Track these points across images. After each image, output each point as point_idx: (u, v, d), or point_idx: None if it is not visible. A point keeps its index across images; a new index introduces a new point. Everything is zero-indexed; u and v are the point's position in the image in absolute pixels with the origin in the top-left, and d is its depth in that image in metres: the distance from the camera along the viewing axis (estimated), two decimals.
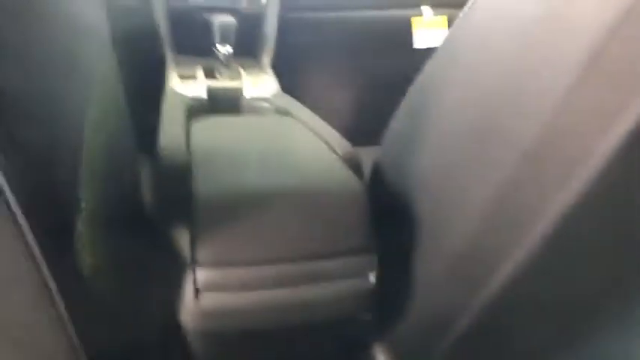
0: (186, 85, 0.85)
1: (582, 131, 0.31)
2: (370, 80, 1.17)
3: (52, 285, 0.32)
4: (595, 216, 0.35)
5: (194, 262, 0.42)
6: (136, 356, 0.52)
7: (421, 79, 0.54)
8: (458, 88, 0.45)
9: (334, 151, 0.55)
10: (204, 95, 0.83)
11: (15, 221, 0.29)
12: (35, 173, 0.32)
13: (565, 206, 0.34)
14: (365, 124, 0.84)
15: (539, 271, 0.38)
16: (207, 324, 0.43)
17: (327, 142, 0.58)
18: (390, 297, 0.55)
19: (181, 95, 0.80)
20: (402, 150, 0.54)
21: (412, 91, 0.55)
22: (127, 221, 0.50)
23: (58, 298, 0.33)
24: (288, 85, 0.93)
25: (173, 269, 0.43)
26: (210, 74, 0.89)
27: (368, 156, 0.64)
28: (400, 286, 0.52)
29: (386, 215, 0.55)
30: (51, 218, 0.33)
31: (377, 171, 0.61)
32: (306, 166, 0.50)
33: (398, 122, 0.58)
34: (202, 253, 0.41)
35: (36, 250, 0.31)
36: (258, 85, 0.91)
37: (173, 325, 0.45)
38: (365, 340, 0.60)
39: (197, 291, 0.42)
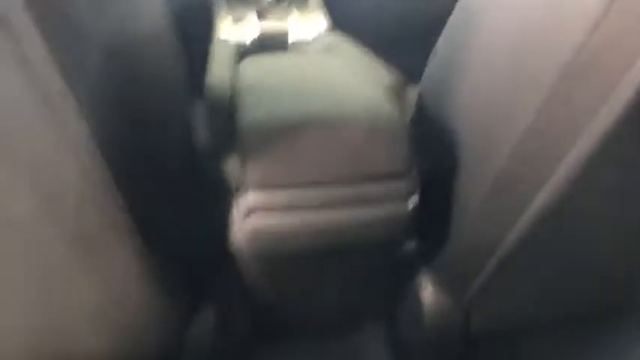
0: (235, 27, 0.86)
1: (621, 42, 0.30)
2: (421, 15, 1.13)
3: (121, 218, 0.37)
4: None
5: (244, 185, 0.45)
6: (193, 282, 0.58)
7: (459, 7, 0.52)
8: (497, 11, 0.43)
9: (379, 84, 0.56)
10: (253, 37, 0.85)
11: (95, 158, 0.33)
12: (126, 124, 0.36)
13: (600, 130, 0.33)
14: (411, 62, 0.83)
15: (581, 190, 0.38)
16: (257, 244, 0.46)
17: (372, 75, 0.58)
18: (435, 224, 0.56)
19: (229, 38, 0.82)
20: (443, 79, 0.54)
21: (451, 19, 0.54)
22: (184, 165, 0.55)
23: (126, 230, 0.38)
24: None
25: (225, 195, 0.46)
26: (260, 15, 0.90)
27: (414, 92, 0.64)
28: (444, 213, 0.53)
29: (429, 144, 0.55)
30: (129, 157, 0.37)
31: (420, 102, 0.61)
32: (349, 95, 0.51)
33: (439, 52, 0.57)
34: (251, 176, 0.44)
35: (110, 182, 0.35)
36: (308, 23, 0.91)
37: (226, 250, 0.49)
38: (410, 266, 0.62)
39: (247, 211, 0.45)
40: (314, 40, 0.87)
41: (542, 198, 0.40)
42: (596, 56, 0.32)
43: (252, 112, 0.48)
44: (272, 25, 0.89)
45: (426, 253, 0.61)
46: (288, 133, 0.45)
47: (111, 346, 0.52)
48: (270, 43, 0.87)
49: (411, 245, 0.61)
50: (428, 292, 0.59)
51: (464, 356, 0.63)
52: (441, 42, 0.57)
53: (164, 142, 0.47)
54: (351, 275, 0.60)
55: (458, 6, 0.53)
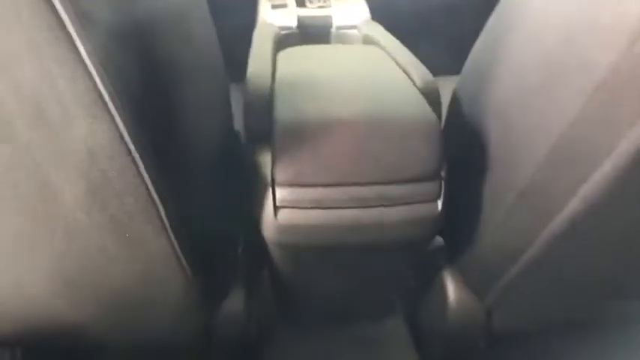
0: (276, 13, 0.87)
1: None
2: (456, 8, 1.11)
3: (157, 199, 0.39)
4: None
5: (273, 182, 0.46)
6: (225, 266, 0.61)
7: (500, 8, 0.51)
8: (535, 16, 0.42)
9: (414, 83, 0.56)
10: (294, 24, 0.85)
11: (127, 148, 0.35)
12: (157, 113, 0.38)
13: (635, 143, 0.32)
14: (449, 53, 0.82)
15: (606, 207, 0.38)
16: (285, 238, 0.48)
17: (408, 73, 0.58)
18: (462, 224, 0.56)
19: (271, 25, 0.82)
20: (479, 80, 0.53)
21: (490, 21, 0.53)
22: (219, 149, 0.57)
23: (161, 209, 0.40)
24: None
25: (257, 186, 0.48)
26: (301, 2, 0.90)
27: (451, 85, 0.64)
28: (471, 214, 0.54)
29: (461, 144, 0.55)
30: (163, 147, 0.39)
31: (455, 101, 0.61)
32: (384, 95, 0.51)
33: (477, 52, 0.56)
34: (281, 174, 0.46)
35: (143, 170, 0.37)
36: (349, 11, 0.90)
37: (255, 238, 0.51)
38: (436, 264, 0.63)
39: (276, 207, 0.47)
40: (354, 29, 0.87)
41: (571, 208, 0.40)
42: (633, 74, 0.32)
43: (287, 108, 0.49)
44: (313, 11, 0.89)
45: (451, 251, 0.62)
46: (320, 133, 0.46)
47: (140, 325, 0.56)
48: (312, 31, 0.87)
49: (437, 242, 0.61)
50: (451, 289, 0.60)
51: (483, 353, 0.64)
52: (478, 44, 0.56)
53: (198, 125, 0.48)
54: (376, 270, 0.61)
55: (497, 10, 0.52)
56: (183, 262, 0.46)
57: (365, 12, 0.92)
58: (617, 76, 0.33)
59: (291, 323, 0.73)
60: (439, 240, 0.62)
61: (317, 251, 0.52)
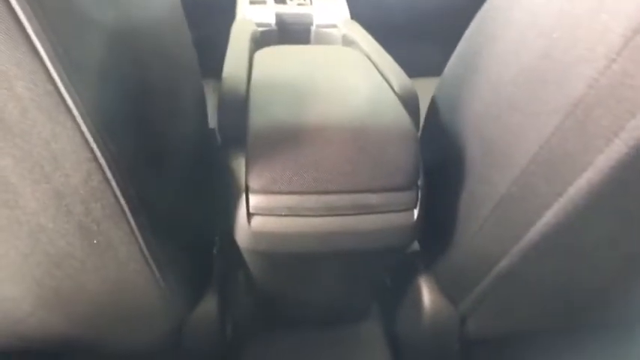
0: (255, 9, 0.85)
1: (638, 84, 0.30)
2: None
3: (125, 205, 0.38)
4: None
5: (247, 188, 0.45)
6: (198, 269, 0.59)
7: (478, 18, 0.51)
8: (515, 29, 0.42)
9: (393, 88, 0.55)
10: (272, 21, 0.84)
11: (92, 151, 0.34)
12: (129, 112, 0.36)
13: (612, 159, 0.33)
14: (429, 54, 0.82)
15: (581, 220, 0.38)
16: (258, 245, 0.47)
17: (387, 78, 0.57)
18: (438, 231, 0.56)
19: (249, 22, 0.81)
20: (458, 88, 0.53)
21: (469, 31, 0.53)
22: (194, 150, 0.55)
23: (130, 216, 0.39)
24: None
25: (231, 193, 0.47)
26: None
27: (429, 87, 0.63)
28: (448, 222, 0.54)
29: (439, 151, 0.55)
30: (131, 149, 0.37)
31: (434, 107, 0.61)
32: (362, 101, 0.50)
33: (457, 59, 0.56)
34: (254, 181, 0.45)
35: (110, 176, 0.36)
36: (329, 10, 0.89)
37: (230, 242, 0.50)
38: (412, 270, 0.63)
39: (249, 214, 0.46)
40: (334, 28, 0.86)
41: (545, 221, 0.40)
42: (611, 91, 0.32)
43: (261, 112, 0.48)
44: (293, 9, 0.88)
45: (427, 256, 0.62)
46: (295, 139, 0.45)
47: (114, 330, 0.54)
48: (291, 29, 0.86)
49: (413, 247, 0.61)
50: (426, 294, 0.60)
51: (457, 358, 0.64)
52: (459, 50, 0.56)
53: (170, 127, 0.47)
54: (352, 275, 0.61)
55: (479, 16, 0.52)
56: (154, 267, 0.45)
57: (345, 11, 0.91)
58: (596, 93, 0.33)
59: (267, 325, 0.73)
60: (416, 245, 0.62)
61: (291, 258, 0.51)
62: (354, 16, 0.90)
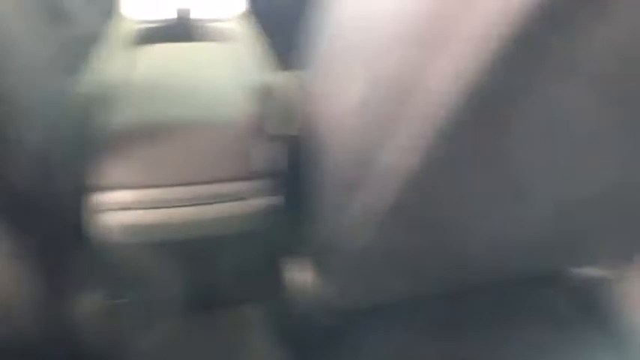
0: (136, 4, 0.85)
1: None
2: None
3: None
4: None
5: (94, 186, 0.48)
6: (59, 262, 0.59)
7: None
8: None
9: (255, 82, 0.58)
10: (154, 16, 0.83)
11: None
12: None
13: None
14: None
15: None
16: (112, 238, 0.49)
17: (252, 72, 0.60)
18: (302, 215, 0.60)
19: (129, 18, 0.80)
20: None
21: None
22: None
23: None
24: None
25: (82, 192, 0.49)
26: None
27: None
28: (301, 208, 0.57)
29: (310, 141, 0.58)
30: None
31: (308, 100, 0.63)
32: (214, 98, 0.53)
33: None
34: (101, 178, 0.47)
35: None
36: (216, 5, 0.90)
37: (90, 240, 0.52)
38: (284, 252, 0.66)
39: (98, 210, 0.48)
40: (220, 23, 0.87)
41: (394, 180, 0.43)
42: None
43: (121, 111, 0.50)
44: (176, 4, 0.88)
45: (296, 240, 0.65)
46: (141, 138, 0.47)
47: None
48: (173, 24, 0.86)
49: (283, 232, 0.65)
50: (298, 275, 0.64)
51: (333, 334, 0.69)
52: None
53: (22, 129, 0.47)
54: (221, 260, 0.63)
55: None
56: (21, 263, 0.45)
57: (240, 5, 0.91)
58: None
59: (146, 314, 0.74)
60: (286, 230, 0.65)
61: (148, 249, 0.53)
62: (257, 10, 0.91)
